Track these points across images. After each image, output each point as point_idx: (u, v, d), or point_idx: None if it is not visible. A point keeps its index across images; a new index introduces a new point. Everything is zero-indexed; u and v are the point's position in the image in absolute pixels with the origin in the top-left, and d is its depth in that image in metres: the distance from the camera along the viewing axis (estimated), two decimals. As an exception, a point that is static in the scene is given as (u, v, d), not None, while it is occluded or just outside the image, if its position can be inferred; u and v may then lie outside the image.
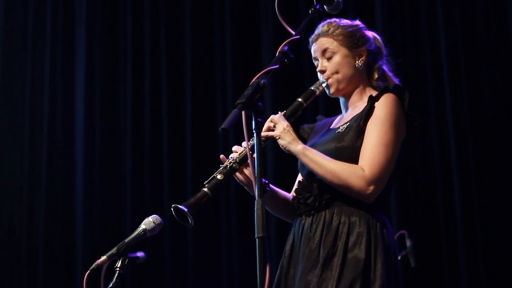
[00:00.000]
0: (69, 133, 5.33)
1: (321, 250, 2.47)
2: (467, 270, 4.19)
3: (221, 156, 2.63)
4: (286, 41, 2.32)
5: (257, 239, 1.94)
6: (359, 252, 2.43)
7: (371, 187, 2.45)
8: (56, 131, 5.36)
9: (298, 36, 2.35)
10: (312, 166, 2.51)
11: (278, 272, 2.63)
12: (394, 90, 2.62)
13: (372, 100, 2.57)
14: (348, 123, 2.63)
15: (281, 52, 2.30)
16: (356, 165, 2.48)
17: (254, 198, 1.99)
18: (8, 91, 5.45)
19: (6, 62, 5.49)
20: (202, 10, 5.33)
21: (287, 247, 2.62)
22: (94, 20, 5.48)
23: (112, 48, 5.43)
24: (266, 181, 2.69)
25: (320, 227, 2.51)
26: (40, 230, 5.19)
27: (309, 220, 2.56)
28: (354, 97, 2.71)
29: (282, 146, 2.56)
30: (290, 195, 2.76)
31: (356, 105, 2.69)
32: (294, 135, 2.56)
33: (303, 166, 2.65)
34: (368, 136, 2.51)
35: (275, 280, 2.61)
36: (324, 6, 2.51)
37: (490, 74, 4.38)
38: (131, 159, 5.20)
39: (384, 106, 2.54)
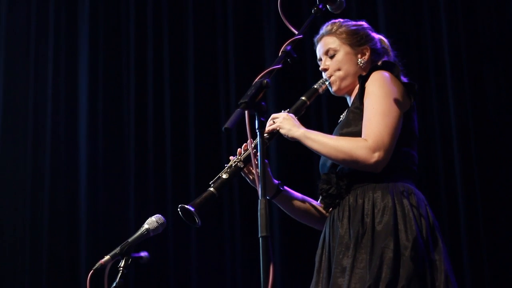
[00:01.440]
0: (72, 134, 5.33)
1: (351, 232, 2.47)
2: (470, 268, 4.19)
3: (231, 157, 2.64)
4: (289, 41, 2.32)
5: (260, 239, 1.95)
6: (387, 222, 2.43)
7: (376, 154, 2.45)
8: (59, 132, 5.35)
9: (301, 36, 2.35)
10: (316, 147, 2.53)
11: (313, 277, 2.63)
12: (382, 66, 2.65)
13: (362, 80, 2.60)
14: (347, 110, 2.69)
15: (284, 51, 2.30)
16: (358, 138, 2.50)
17: (258, 198, 1.99)
18: (11, 92, 5.44)
19: (9, 63, 5.49)
20: (204, 10, 5.33)
21: (319, 245, 2.63)
22: (97, 20, 5.48)
23: (115, 48, 5.43)
24: (280, 182, 2.70)
25: (346, 212, 2.52)
26: (43, 229, 5.18)
27: (336, 211, 2.57)
28: (355, 91, 2.72)
29: (284, 134, 2.57)
30: (310, 198, 2.77)
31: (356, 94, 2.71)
32: (294, 122, 2.57)
33: (324, 167, 2.68)
34: (365, 112, 2.54)
35: (313, 279, 2.61)
36: (327, 6, 2.51)
37: (492, 72, 4.38)
38: (134, 159, 5.20)
39: (373, 81, 2.56)
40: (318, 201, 2.77)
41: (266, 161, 2.64)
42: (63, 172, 5.28)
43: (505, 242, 4.16)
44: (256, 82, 2.11)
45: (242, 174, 2.66)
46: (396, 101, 2.53)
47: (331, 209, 2.62)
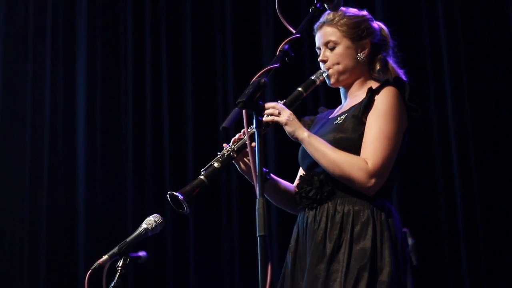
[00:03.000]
0: (71, 133, 5.33)
1: (327, 243, 2.46)
2: (469, 268, 4.19)
3: (224, 144, 2.63)
4: (287, 40, 2.31)
5: (258, 238, 1.94)
6: (365, 242, 2.42)
7: (373, 180, 2.44)
8: (57, 131, 5.35)
9: (299, 35, 2.34)
10: (316, 155, 2.50)
11: (283, 268, 2.62)
12: (394, 82, 2.62)
13: (372, 93, 2.56)
14: (346, 114, 2.63)
15: (282, 50, 2.29)
16: (359, 157, 2.48)
17: (256, 196, 1.99)
18: (9, 91, 5.44)
19: (7, 61, 5.48)
20: (202, 8, 5.33)
21: (292, 242, 2.61)
22: (95, 18, 5.47)
23: (113, 46, 5.43)
24: (267, 170, 2.68)
25: (324, 219, 2.50)
26: (42, 229, 5.19)
27: (312, 213, 2.55)
28: (354, 87, 2.70)
29: (289, 133, 2.54)
30: (293, 185, 2.74)
31: (355, 94, 2.68)
32: (299, 122, 2.55)
33: (304, 158, 2.65)
34: (370, 129, 2.51)
35: (281, 276, 2.61)
36: (325, 5, 2.50)
37: (490, 71, 4.38)
38: (132, 158, 5.20)
39: (385, 99, 2.53)
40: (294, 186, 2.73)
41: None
42: (61, 171, 5.28)
43: (503, 243, 4.16)
44: (253, 81, 2.10)
45: (233, 162, 2.65)
46: (401, 124, 2.53)
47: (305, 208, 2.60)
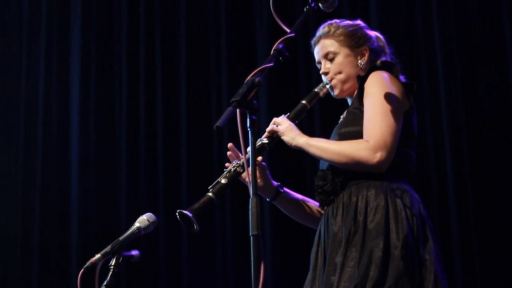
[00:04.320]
0: (64, 132, 5.32)
1: (344, 230, 2.47)
2: (461, 268, 4.20)
3: (227, 164, 2.64)
4: (281, 39, 2.31)
5: (251, 237, 1.94)
6: (379, 221, 2.42)
7: (378, 154, 2.45)
8: (51, 130, 5.34)
9: (293, 34, 2.35)
10: (320, 153, 2.54)
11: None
12: (381, 66, 2.65)
13: (361, 81, 2.60)
14: (346, 110, 2.69)
15: (276, 50, 2.29)
16: (360, 139, 2.50)
17: (249, 196, 1.99)
18: (3, 90, 5.43)
19: (0, 60, 5.47)
20: (197, 8, 5.32)
21: (315, 242, 2.63)
22: (89, 17, 5.46)
23: (107, 46, 5.42)
24: (279, 183, 2.70)
25: (340, 209, 2.52)
26: (34, 228, 5.17)
27: (330, 207, 2.57)
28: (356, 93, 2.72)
29: (287, 142, 2.58)
30: (310, 199, 2.77)
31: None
32: (297, 131, 2.59)
33: (322, 164, 2.68)
34: (366, 112, 2.54)
35: (308, 276, 2.60)
36: (319, 4, 2.50)
37: (484, 72, 4.38)
38: (126, 157, 5.19)
39: (372, 81, 2.56)
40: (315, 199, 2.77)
41: (264, 163, 2.67)
42: (54, 171, 5.27)
43: (496, 244, 4.16)
44: (247, 80, 2.10)
45: (241, 180, 2.66)
46: (396, 101, 2.53)
47: (325, 206, 2.62)
